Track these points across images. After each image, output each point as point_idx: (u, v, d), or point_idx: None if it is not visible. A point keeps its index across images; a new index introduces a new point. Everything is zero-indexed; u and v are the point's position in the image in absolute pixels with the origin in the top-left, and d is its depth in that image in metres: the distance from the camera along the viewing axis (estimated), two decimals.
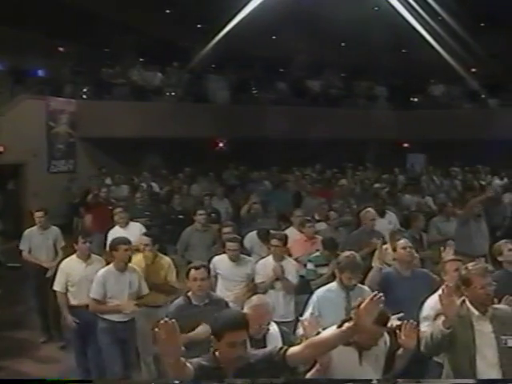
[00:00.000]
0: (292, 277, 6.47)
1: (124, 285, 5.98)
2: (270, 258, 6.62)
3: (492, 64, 19.59)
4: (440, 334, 3.94)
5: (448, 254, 5.93)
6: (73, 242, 6.67)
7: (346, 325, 3.42)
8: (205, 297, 5.12)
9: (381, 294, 3.38)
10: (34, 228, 8.23)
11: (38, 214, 8.17)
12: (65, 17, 15.34)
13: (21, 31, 15.35)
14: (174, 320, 3.12)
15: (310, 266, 6.91)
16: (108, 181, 14.54)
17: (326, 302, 4.95)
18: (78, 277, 6.44)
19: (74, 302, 6.46)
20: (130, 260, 6.14)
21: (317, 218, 9.40)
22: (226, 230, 7.74)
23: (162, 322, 3.09)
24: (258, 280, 6.54)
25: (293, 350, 3.42)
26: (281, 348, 3.47)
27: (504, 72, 19.97)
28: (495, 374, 3.94)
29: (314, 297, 5.10)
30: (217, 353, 3.38)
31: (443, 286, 4.03)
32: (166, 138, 16.17)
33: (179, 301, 5.21)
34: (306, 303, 5.21)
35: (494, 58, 19.20)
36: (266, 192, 12.70)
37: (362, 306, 3.32)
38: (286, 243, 6.66)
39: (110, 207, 10.59)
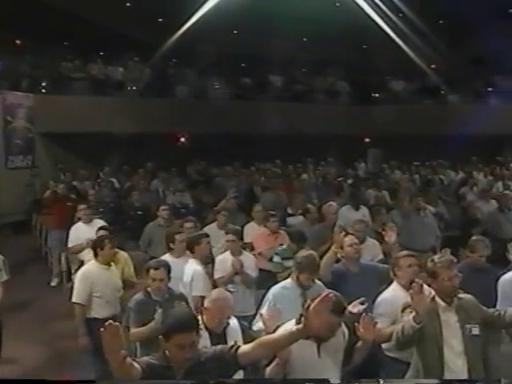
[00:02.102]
0: (251, 270, 6.44)
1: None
2: (227, 253, 6.57)
3: (451, 60, 19.92)
4: (411, 330, 3.98)
5: (391, 236, 5.94)
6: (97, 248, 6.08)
7: (296, 326, 3.39)
8: (165, 293, 5.10)
9: (330, 295, 3.36)
10: None
11: None
12: (22, 9, 15.03)
13: None
14: (117, 323, 3.07)
15: (276, 258, 6.89)
16: (68, 177, 14.29)
17: (282, 299, 4.92)
18: (106, 285, 5.92)
19: (101, 314, 5.74)
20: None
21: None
22: (187, 225, 7.66)
23: (106, 323, 3.04)
24: (216, 275, 6.48)
25: (244, 348, 3.40)
26: (232, 346, 3.44)
27: (462, 68, 20.35)
28: (461, 363, 4.04)
29: (270, 294, 5.07)
30: (166, 352, 3.34)
31: (414, 284, 4.05)
32: (127, 133, 15.99)
33: (139, 296, 5.17)
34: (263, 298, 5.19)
35: (452, 54, 19.55)
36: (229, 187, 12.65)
37: (312, 306, 3.27)
38: (241, 238, 6.65)
39: (70, 203, 10.43)
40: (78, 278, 5.97)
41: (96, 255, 6.06)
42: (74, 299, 5.87)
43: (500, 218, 9.12)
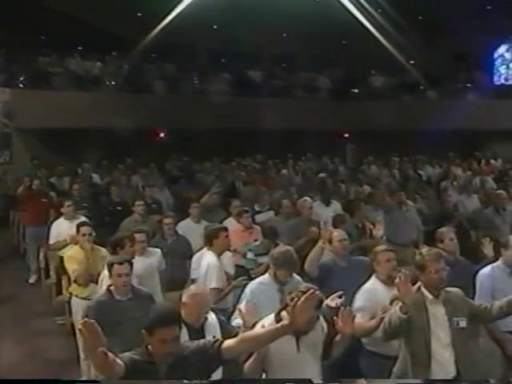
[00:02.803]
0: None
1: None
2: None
3: (430, 56, 20.06)
4: (398, 320, 4.05)
5: (378, 230, 5.96)
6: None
7: (281, 323, 3.44)
8: (128, 291, 5.01)
9: (316, 292, 3.36)
10: None
11: None
12: None
13: None
14: (93, 320, 3.06)
15: (249, 255, 6.85)
16: (43, 172, 14.11)
17: (259, 294, 4.92)
18: None
19: None
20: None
21: (266, 208, 9.38)
22: (166, 220, 7.64)
23: (82, 321, 3.03)
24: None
25: (228, 343, 3.41)
26: (215, 341, 3.46)
27: (441, 64, 20.51)
28: (448, 354, 4.12)
29: (247, 290, 5.06)
30: (149, 347, 3.34)
31: (400, 274, 4.11)
32: (106, 129, 15.88)
33: (101, 295, 5.10)
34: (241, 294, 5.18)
35: (431, 50, 19.69)
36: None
37: (298, 304, 3.31)
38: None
39: (45, 200, 10.30)
40: (104, 278, 5.75)
41: (116, 254, 5.95)
42: None
43: (495, 220, 8.89)
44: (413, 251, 5.94)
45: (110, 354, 3.03)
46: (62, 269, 7.23)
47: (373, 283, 4.90)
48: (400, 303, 4.08)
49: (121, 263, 4.99)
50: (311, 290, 3.38)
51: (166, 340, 3.26)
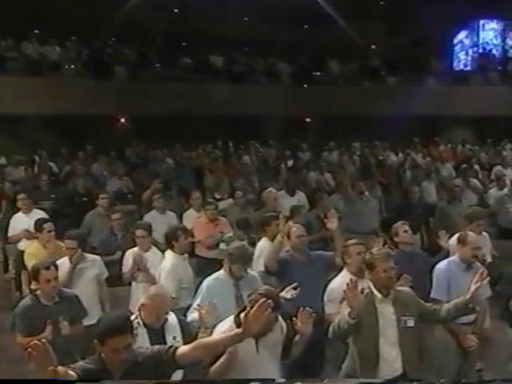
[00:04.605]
0: (155, 269, 5.98)
1: None
2: (136, 248, 6.30)
3: (391, 42, 20.21)
4: (346, 324, 4.08)
5: (332, 223, 6.01)
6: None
7: (235, 330, 3.41)
8: (55, 295, 4.92)
9: (269, 301, 3.35)
10: None
11: None
12: None
13: None
14: (44, 340, 3.00)
15: (222, 246, 6.95)
16: (2, 160, 13.81)
17: (215, 290, 4.92)
18: (188, 275, 5.79)
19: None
20: None
21: (225, 196, 9.37)
22: (114, 216, 7.45)
23: (32, 343, 2.96)
24: (123, 270, 6.28)
25: (182, 349, 3.38)
26: (170, 347, 3.43)
27: (402, 50, 20.69)
28: (396, 353, 4.18)
29: (203, 286, 5.04)
30: (102, 354, 3.30)
31: (347, 281, 4.14)
32: (64, 115, 15.59)
33: (27, 301, 5.00)
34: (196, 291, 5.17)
35: (392, 36, 19.82)
36: (169, 171, 12.48)
37: (251, 312, 3.27)
38: (151, 233, 6.42)
39: None
40: (164, 273, 5.67)
41: (172, 247, 5.88)
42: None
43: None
44: (373, 240, 6.05)
45: (59, 368, 2.99)
46: (21, 264, 7.08)
47: (343, 276, 4.99)
48: (348, 308, 4.10)
49: (47, 268, 4.88)
50: (263, 300, 3.35)
51: (118, 349, 3.22)
